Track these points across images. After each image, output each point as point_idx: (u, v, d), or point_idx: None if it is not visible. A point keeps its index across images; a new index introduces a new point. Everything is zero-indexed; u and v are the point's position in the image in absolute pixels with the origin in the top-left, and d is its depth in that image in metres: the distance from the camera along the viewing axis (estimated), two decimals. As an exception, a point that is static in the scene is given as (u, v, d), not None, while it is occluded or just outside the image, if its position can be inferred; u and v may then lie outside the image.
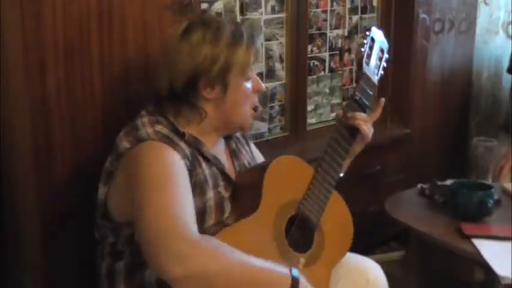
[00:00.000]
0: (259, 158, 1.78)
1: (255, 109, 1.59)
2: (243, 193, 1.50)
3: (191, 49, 1.47)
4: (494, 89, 3.29)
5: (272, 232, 1.46)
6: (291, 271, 1.31)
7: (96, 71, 1.67)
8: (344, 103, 2.82)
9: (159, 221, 1.26)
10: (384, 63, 1.73)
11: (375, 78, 1.69)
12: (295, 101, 2.60)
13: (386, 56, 1.74)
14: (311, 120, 2.71)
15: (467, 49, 3.21)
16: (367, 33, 1.69)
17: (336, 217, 1.61)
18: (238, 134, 1.71)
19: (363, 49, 1.67)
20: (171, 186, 1.33)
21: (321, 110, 2.75)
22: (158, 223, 1.25)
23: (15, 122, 1.65)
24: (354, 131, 1.62)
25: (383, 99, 1.71)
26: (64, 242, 1.68)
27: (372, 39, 1.69)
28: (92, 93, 1.67)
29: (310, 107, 2.69)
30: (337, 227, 1.63)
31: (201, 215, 1.43)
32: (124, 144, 1.43)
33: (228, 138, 1.65)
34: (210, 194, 1.46)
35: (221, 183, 1.51)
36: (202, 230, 1.39)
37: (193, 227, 1.28)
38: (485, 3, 3.22)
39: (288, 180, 1.54)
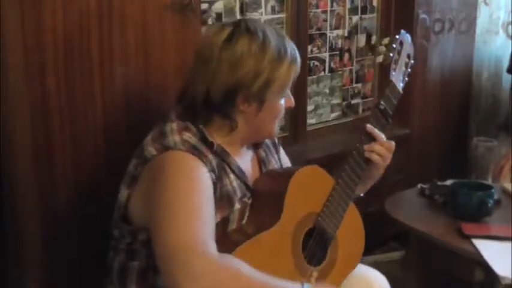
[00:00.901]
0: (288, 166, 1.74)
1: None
2: (264, 200, 1.47)
3: (235, 60, 1.40)
4: (494, 89, 3.29)
5: (290, 245, 1.44)
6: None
7: (96, 71, 1.67)
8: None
9: (177, 237, 1.23)
10: (409, 70, 1.65)
11: (400, 87, 1.61)
12: (295, 101, 2.59)
13: (411, 61, 1.65)
14: (311, 120, 2.71)
15: (467, 49, 3.21)
16: (397, 36, 1.60)
17: (350, 230, 1.59)
18: (268, 142, 1.67)
19: (391, 54, 1.57)
20: (194, 201, 1.30)
21: (321, 110, 2.75)
22: (176, 240, 1.23)
23: (15, 122, 1.65)
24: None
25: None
26: (64, 242, 1.68)
27: (400, 43, 1.60)
28: (92, 94, 1.67)
29: (310, 107, 2.69)
30: (351, 240, 1.60)
31: (225, 223, 1.42)
32: (150, 149, 1.39)
33: (257, 147, 1.61)
34: (238, 205, 1.45)
35: (247, 194, 1.49)
36: (223, 235, 1.39)
37: (212, 245, 1.25)
38: (485, 3, 3.22)
39: (310, 191, 1.50)
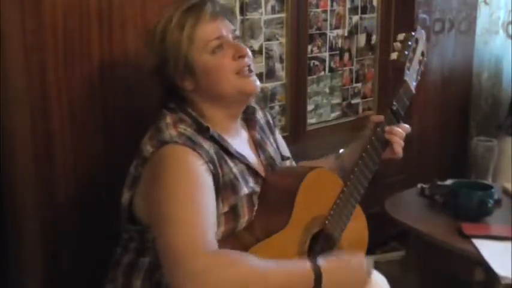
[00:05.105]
0: (283, 149, 1.72)
1: (243, 71, 1.45)
2: (273, 197, 1.45)
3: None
4: (494, 89, 3.29)
5: (297, 249, 1.42)
6: (313, 265, 1.31)
7: (96, 71, 1.67)
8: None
9: (178, 240, 1.24)
10: (422, 68, 1.60)
11: (413, 86, 1.56)
12: (295, 101, 2.60)
13: (425, 59, 1.60)
14: (311, 120, 2.71)
15: (467, 49, 3.21)
16: (412, 33, 1.53)
17: (354, 232, 1.58)
18: (262, 123, 1.65)
19: (406, 52, 1.50)
20: (193, 198, 1.30)
21: (321, 110, 2.75)
22: (177, 243, 1.24)
23: (15, 122, 1.64)
24: (385, 143, 1.52)
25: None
26: (64, 242, 1.68)
27: (416, 41, 1.53)
28: (92, 93, 1.67)
29: (310, 107, 2.69)
30: (354, 242, 1.59)
31: (234, 212, 1.41)
32: (148, 148, 1.38)
33: (251, 129, 1.60)
34: (244, 190, 1.43)
35: (249, 178, 1.47)
36: (234, 230, 1.39)
37: (212, 240, 1.26)
38: (485, 3, 3.22)
39: (319, 194, 1.48)
